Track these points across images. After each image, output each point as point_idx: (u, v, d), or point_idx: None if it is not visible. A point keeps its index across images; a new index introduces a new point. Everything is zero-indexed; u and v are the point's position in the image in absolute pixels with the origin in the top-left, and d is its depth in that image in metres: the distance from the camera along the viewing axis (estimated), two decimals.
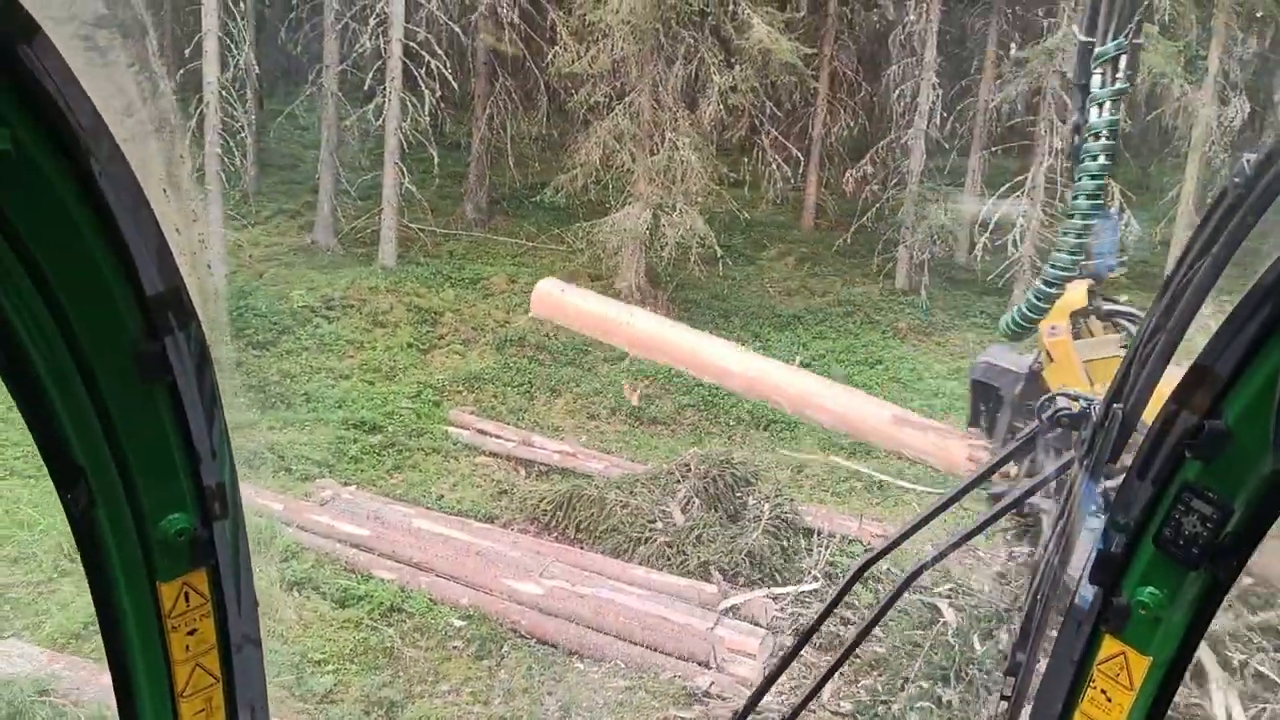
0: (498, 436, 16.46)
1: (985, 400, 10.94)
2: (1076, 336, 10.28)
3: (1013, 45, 25.56)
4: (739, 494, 13.35)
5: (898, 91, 24.43)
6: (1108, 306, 10.49)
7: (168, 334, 1.27)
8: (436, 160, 23.18)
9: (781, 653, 11.39)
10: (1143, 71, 21.17)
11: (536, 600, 11.70)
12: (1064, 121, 22.31)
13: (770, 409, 18.33)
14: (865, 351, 21.29)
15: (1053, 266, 10.38)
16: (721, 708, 10.50)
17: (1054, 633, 1.72)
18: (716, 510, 13.01)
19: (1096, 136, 9.56)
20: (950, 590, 11.92)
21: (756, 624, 11.52)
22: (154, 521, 1.36)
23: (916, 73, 24.03)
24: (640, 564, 12.48)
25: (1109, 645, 1.55)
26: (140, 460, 1.32)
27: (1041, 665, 1.81)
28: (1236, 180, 1.48)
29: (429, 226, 24.24)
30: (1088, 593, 1.56)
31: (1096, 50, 9.44)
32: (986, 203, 21.79)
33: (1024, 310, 10.75)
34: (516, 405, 18.18)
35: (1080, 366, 10.01)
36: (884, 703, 10.39)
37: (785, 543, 12.81)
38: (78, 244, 1.17)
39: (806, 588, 12.24)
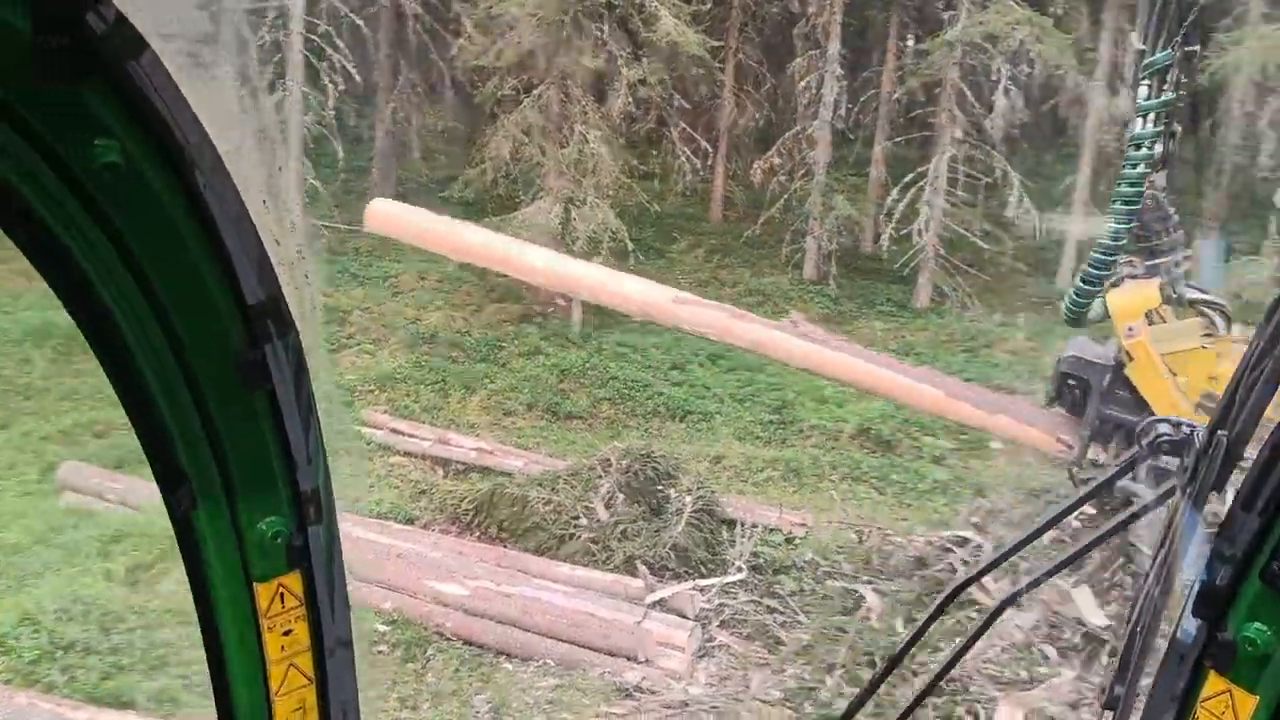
0: (413, 436, 16.18)
1: (1070, 386, 11.15)
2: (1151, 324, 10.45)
3: (912, 38, 26.13)
4: (660, 487, 13.37)
5: (803, 83, 24.72)
6: (1191, 295, 10.60)
7: (267, 342, 1.30)
8: (340, 155, 22.70)
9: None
10: (1039, 63, 21.85)
11: (461, 601, 11.53)
12: (964, 112, 22.91)
13: (684, 400, 18.47)
14: None
15: (1091, 266, 10.67)
16: (652, 701, 10.51)
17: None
18: (639, 504, 13.00)
19: (1138, 146, 9.85)
20: (871, 576, 12.15)
21: (684, 616, 11.55)
22: (251, 525, 1.39)
23: (820, 65, 24.36)
24: (565, 561, 12.41)
25: (1213, 682, 1.48)
26: (240, 466, 1.36)
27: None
28: None
29: (334, 223, 23.71)
30: (1190, 626, 1.50)
31: (1146, 60, 9.65)
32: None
33: (1068, 306, 11.04)
34: (431, 403, 17.93)
35: (1160, 362, 10.18)
36: (811, 689, 10.51)
37: (709, 534, 12.87)
38: (183, 255, 1.20)
39: (732, 579, 12.32)
